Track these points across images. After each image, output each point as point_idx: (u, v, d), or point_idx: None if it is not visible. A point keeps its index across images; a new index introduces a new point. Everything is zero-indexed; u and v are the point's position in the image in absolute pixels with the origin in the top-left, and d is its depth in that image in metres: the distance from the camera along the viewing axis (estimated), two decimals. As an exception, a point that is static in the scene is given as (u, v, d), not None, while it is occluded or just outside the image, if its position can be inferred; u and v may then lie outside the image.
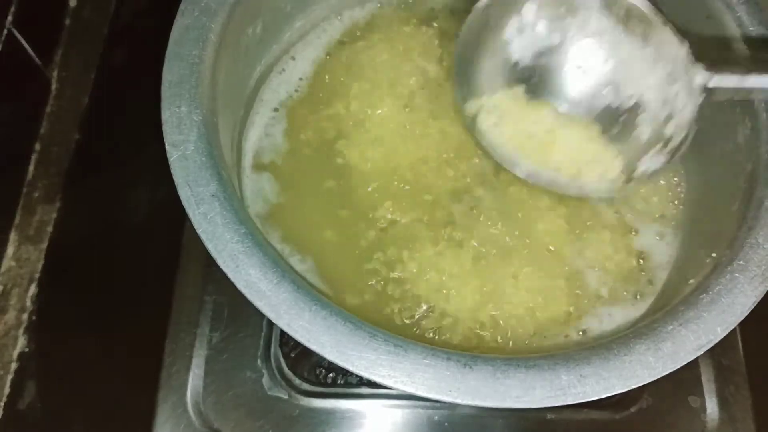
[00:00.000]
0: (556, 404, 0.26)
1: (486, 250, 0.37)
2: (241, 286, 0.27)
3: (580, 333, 0.37)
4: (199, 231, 0.28)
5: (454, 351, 0.27)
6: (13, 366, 0.43)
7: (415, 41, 0.43)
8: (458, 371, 0.26)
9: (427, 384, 0.26)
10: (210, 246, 0.27)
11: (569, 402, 0.26)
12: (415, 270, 0.37)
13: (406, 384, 0.26)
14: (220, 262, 0.27)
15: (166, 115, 0.29)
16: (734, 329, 0.41)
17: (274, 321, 0.26)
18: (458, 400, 0.26)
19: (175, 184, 0.28)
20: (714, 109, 0.36)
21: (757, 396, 0.41)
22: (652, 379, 0.27)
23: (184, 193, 0.28)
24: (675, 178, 0.40)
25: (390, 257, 0.37)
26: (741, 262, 0.29)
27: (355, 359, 0.26)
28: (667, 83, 0.33)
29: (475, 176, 0.40)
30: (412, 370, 0.26)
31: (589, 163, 0.36)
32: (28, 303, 0.45)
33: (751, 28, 0.34)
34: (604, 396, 0.26)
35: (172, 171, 0.29)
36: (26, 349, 0.44)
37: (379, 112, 0.40)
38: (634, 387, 0.27)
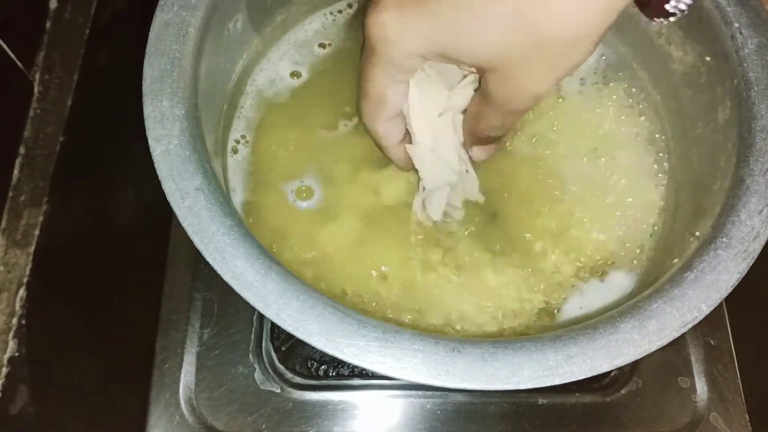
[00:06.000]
0: (545, 384, 0.26)
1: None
2: (228, 277, 0.27)
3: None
4: (184, 224, 0.28)
5: (442, 336, 0.27)
6: (4, 371, 0.43)
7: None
8: (447, 355, 0.26)
9: (416, 369, 0.26)
10: (196, 239, 0.27)
11: (557, 382, 0.26)
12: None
13: (395, 370, 0.26)
14: (206, 254, 0.27)
15: (148, 110, 0.29)
16: (722, 310, 0.43)
17: (262, 311, 0.26)
18: (447, 384, 0.26)
19: (159, 178, 0.28)
20: (696, 90, 0.37)
21: (746, 375, 0.41)
22: (639, 357, 0.27)
23: (169, 187, 0.28)
24: (657, 163, 0.40)
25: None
26: (724, 239, 0.30)
27: (344, 347, 0.26)
28: None
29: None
30: (400, 355, 0.26)
31: None
32: (17, 307, 0.45)
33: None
34: (591, 375, 0.26)
35: (156, 166, 0.28)
36: (16, 354, 0.43)
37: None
38: (621, 365, 0.27)
